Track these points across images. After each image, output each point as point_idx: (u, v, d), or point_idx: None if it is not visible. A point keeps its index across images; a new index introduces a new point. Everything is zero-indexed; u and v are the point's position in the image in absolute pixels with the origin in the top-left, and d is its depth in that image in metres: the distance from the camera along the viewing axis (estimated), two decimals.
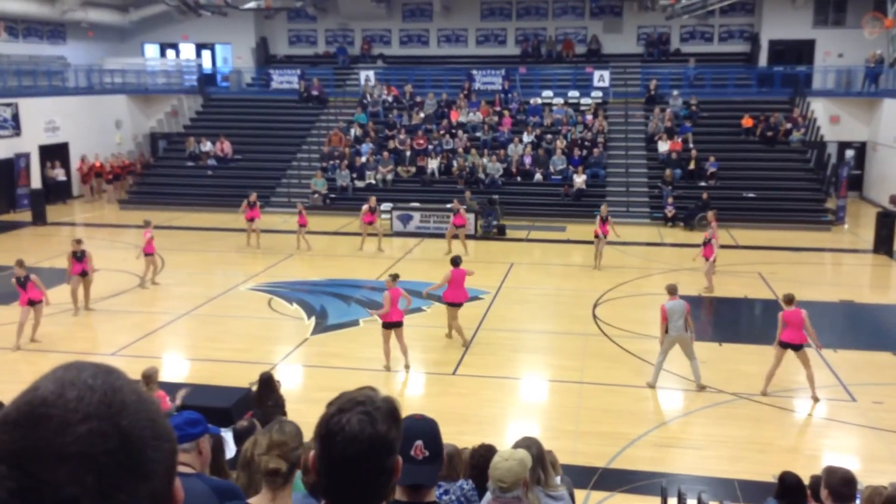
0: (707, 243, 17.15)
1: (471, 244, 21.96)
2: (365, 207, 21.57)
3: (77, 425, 0.95)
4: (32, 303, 13.71)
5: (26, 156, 27.55)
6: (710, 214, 19.00)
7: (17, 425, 0.95)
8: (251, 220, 21.41)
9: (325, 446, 1.68)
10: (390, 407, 1.76)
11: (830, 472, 5.20)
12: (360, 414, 1.68)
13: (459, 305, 13.87)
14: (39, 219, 25.28)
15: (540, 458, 4.58)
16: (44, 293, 13.88)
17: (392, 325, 12.52)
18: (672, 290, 12.02)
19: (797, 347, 11.46)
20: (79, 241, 16.02)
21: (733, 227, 23.32)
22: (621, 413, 11.14)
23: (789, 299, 11.65)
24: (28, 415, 0.96)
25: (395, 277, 12.80)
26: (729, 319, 16.34)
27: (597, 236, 19.10)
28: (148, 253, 17.30)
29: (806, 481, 6.26)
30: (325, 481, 1.70)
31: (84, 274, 15.56)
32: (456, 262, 14.11)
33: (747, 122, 28.15)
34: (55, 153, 29.05)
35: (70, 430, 0.94)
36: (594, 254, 19.20)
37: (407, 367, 12.73)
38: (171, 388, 9.29)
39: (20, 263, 13.80)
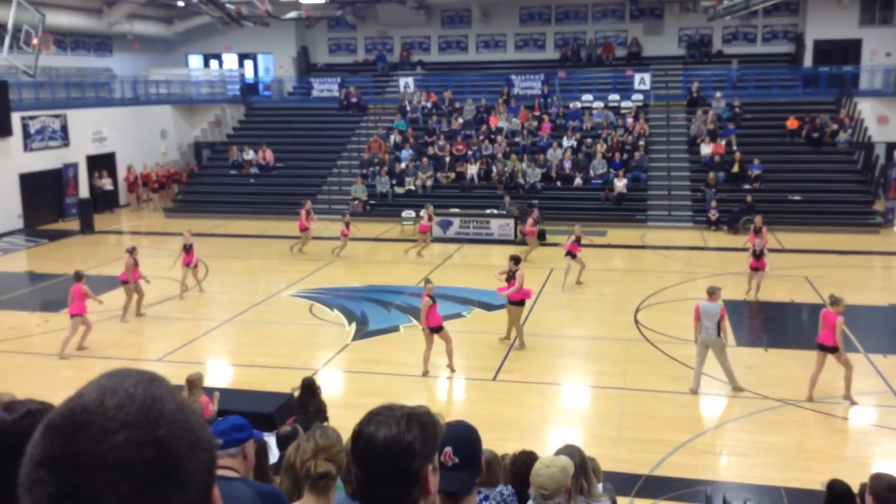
0: (761, 255, 16.64)
1: (510, 249, 21.90)
2: (424, 214, 21.64)
3: (115, 434, 0.97)
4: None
5: (74, 166, 28.20)
6: (759, 220, 18.38)
7: (59, 431, 0.98)
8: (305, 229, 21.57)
9: (353, 447, 1.78)
10: (417, 414, 1.81)
11: (876, 478, 5.11)
12: (384, 417, 1.78)
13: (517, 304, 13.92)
14: (87, 227, 25.83)
15: (583, 467, 4.55)
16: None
17: (432, 330, 12.57)
18: (711, 292, 11.90)
19: (832, 350, 11.24)
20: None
21: (779, 231, 22.94)
22: (664, 419, 11.01)
23: (832, 301, 11.44)
24: (70, 421, 0.98)
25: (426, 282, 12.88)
26: (775, 324, 16.06)
27: (571, 255, 17.86)
28: (186, 264, 17.64)
29: (855, 489, 6.13)
30: (356, 482, 1.79)
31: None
32: (516, 260, 14.11)
33: (792, 123, 27.66)
34: (102, 163, 29.69)
35: (108, 438, 0.96)
36: (566, 272, 17.95)
37: (450, 368, 12.75)
38: (207, 393, 9.42)
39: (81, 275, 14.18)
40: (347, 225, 21.38)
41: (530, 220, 21.10)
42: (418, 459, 1.75)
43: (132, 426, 0.98)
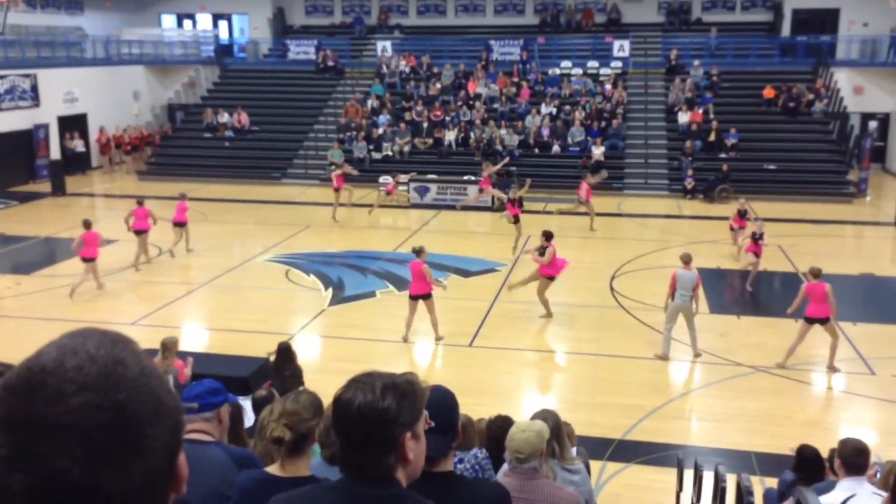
0: (759, 239, 15.81)
1: (486, 216, 21.93)
2: (485, 173, 21.61)
3: (72, 396, 0.93)
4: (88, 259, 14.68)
5: (45, 127, 27.68)
6: (742, 202, 18.10)
7: (15, 391, 0.94)
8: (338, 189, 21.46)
9: (332, 413, 1.82)
10: (396, 382, 1.80)
11: (844, 442, 5.24)
12: (361, 384, 1.79)
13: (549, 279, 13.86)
14: (59, 189, 25.46)
15: (556, 431, 4.58)
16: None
17: (417, 297, 12.56)
18: (686, 260, 12.02)
19: (824, 321, 11.39)
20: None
21: (754, 200, 23.08)
22: (638, 385, 11.14)
23: (815, 273, 11.54)
24: (26, 381, 0.94)
25: (419, 251, 12.70)
26: (747, 292, 16.22)
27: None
28: (177, 223, 17.54)
29: (824, 454, 6.25)
30: (336, 447, 1.83)
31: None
32: (548, 236, 14.01)
33: (769, 92, 27.74)
34: (74, 124, 29.18)
35: (64, 401, 0.92)
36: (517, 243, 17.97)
37: (438, 338, 12.79)
38: (181, 358, 9.35)
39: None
40: (396, 185, 22.34)
41: (585, 186, 20.70)
42: (394, 427, 1.76)
43: (91, 389, 0.94)
